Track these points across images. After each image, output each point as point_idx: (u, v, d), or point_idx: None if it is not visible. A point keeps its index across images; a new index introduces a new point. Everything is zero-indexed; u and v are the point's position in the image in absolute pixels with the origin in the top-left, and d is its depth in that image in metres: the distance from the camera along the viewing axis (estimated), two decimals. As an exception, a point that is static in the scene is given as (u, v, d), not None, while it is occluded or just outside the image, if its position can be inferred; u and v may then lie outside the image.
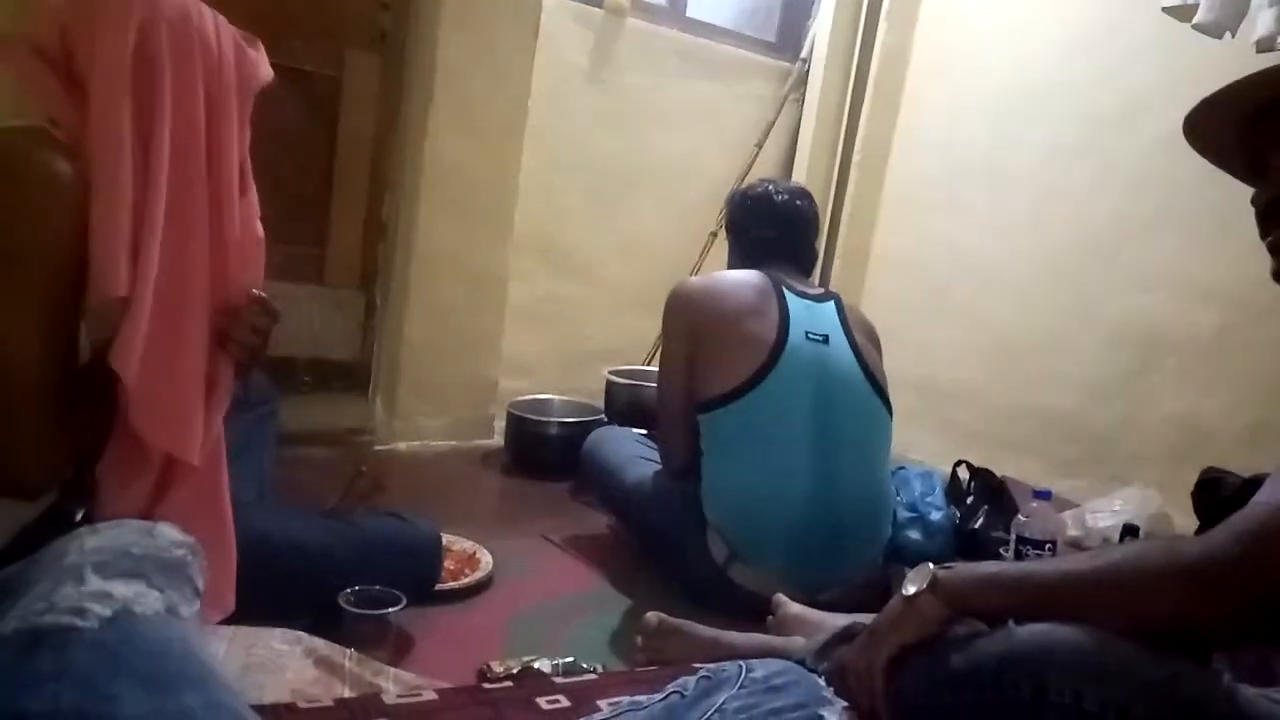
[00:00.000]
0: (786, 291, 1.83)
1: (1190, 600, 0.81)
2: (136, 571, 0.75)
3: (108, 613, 0.69)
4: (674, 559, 1.83)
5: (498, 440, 2.75)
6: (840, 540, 1.73)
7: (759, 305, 1.80)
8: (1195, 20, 2.11)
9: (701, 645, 1.36)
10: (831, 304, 1.90)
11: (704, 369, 1.80)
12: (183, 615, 0.75)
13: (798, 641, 1.27)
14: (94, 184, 0.97)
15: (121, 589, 0.72)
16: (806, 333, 1.79)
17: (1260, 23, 2.00)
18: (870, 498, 1.79)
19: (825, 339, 1.81)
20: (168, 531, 0.84)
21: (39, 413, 0.95)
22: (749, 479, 1.73)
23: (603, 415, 2.64)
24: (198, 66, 1.05)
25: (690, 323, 1.85)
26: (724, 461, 1.76)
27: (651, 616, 1.42)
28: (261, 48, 1.16)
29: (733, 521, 1.73)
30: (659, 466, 1.96)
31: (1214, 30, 2.09)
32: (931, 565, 0.98)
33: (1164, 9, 2.20)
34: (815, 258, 2.07)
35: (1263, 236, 0.94)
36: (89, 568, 0.73)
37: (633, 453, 2.06)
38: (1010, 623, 0.91)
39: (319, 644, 1.25)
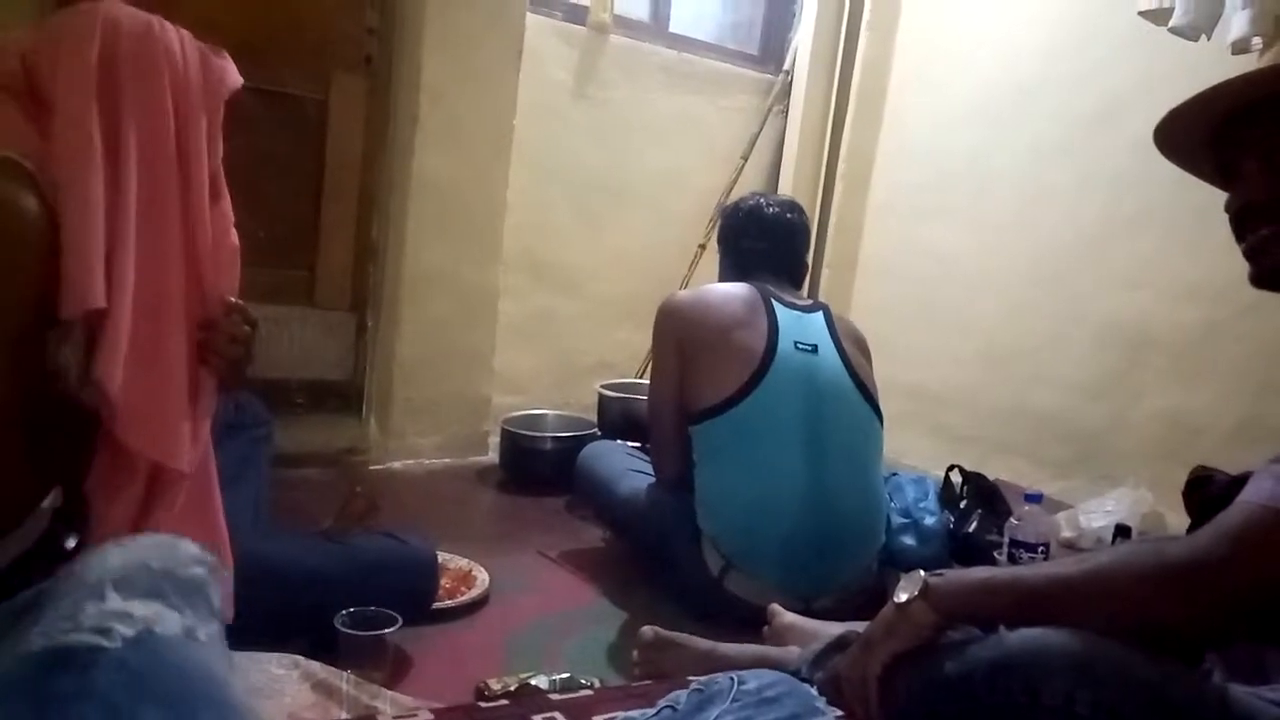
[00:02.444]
0: (775, 303, 1.85)
1: (1178, 601, 0.82)
2: (155, 590, 0.75)
3: (131, 633, 0.69)
4: (669, 571, 1.83)
5: (492, 457, 2.75)
6: (834, 548, 1.74)
7: (747, 317, 1.82)
8: (1171, 23, 2.14)
9: (697, 657, 1.36)
10: (820, 314, 1.91)
11: (694, 381, 1.81)
12: (200, 639, 0.76)
13: (793, 651, 1.27)
14: (64, 196, 0.96)
15: (141, 609, 0.72)
16: (795, 343, 1.80)
17: (1235, 25, 2.03)
18: (863, 504, 1.80)
19: (814, 349, 1.82)
20: (189, 548, 0.83)
21: (4, 449, 0.91)
22: (742, 489, 1.73)
23: (596, 429, 2.64)
24: (164, 76, 1.05)
25: (679, 335, 1.86)
26: (716, 472, 1.77)
27: (647, 630, 1.42)
28: (228, 57, 1.15)
29: (727, 532, 1.73)
30: (653, 479, 1.96)
31: (1190, 33, 2.12)
32: (923, 572, 0.98)
33: (1140, 12, 2.23)
34: (806, 270, 2.09)
35: (1238, 241, 0.95)
36: (109, 585, 0.73)
37: (626, 466, 2.06)
38: (1002, 628, 0.92)
39: (316, 667, 1.25)
